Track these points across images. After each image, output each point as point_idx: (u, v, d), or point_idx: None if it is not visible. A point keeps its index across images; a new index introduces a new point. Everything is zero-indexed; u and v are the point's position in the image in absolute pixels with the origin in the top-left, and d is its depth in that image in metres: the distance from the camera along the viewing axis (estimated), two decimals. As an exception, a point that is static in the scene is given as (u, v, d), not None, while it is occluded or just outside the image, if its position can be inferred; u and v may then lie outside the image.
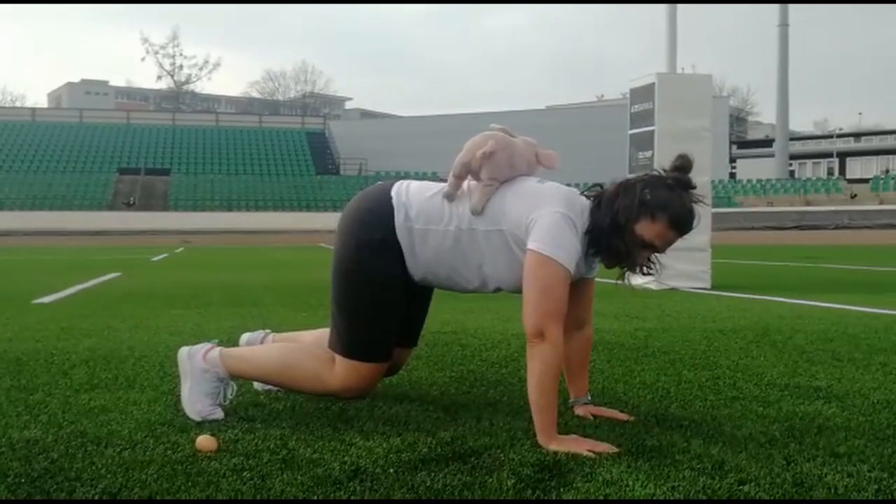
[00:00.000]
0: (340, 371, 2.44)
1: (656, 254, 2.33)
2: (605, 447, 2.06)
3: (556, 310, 2.19)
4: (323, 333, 2.70)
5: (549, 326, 2.16)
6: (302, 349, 2.59)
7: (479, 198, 2.32)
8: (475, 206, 2.31)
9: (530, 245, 2.22)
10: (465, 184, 2.39)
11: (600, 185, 2.37)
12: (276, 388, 2.72)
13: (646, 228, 2.23)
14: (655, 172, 2.32)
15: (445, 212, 2.36)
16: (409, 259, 2.38)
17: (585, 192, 2.36)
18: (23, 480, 1.82)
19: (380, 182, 2.57)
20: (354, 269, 2.40)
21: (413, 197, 2.40)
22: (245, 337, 2.90)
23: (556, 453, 2.03)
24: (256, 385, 2.78)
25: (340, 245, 2.45)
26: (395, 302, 2.43)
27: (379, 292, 2.40)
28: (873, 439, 2.20)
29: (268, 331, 2.93)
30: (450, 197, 2.37)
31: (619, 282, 2.43)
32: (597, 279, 2.55)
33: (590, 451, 2.03)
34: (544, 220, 2.22)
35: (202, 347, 2.49)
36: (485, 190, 2.32)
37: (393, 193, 2.42)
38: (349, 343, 2.43)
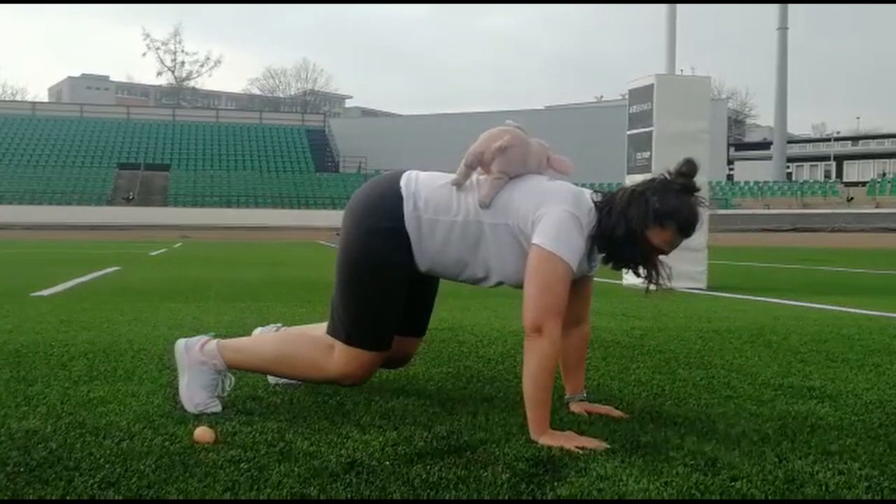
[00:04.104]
0: (341, 358, 2.45)
1: (661, 257, 2.40)
2: (597, 443, 2.08)
3: (556, 306, 2.21)
4: None
5: (549, 322, 2.18)
6: (300, 337, 2.59)
7: (487, 191, 2.33)
8: (483, 199, 2.33)
9: (535, 240, 2.24)
10: (474, 176, 2.41)
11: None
12: (284, 381, 2.73)
13: (656, 235, 2.30)
14: (662, 177, 2.35)
15: (454, 202, 2.37)
16: (416, 249, 2.39)
17: (595, 197, 2.37)
18: (22, 469, 1.84)
19: (388, 172, 2.58)
20: (361, 258, 2.41)
21: (422, 187, 2.41)
22: (258, 331, 2.91)
23: (550, 448, 2.05)
24: (271, 379, 2.79)
25: (348, 233, 2.46)
26: (399, 291, 2.44)
27: (384, 281, 2.41)
28: (865, 438, 2.22)
29: (280, 325, 2.94)
30: (458, 185, 2.38)
31: (647, 288, 2.45)
32: (594, 278, 2.57)
33: (580, 447, 2.04)
34: (551, 217, 2.24)
35: (199, 340, 2.50)
36: (494, 183, 2.33)
37: (402, 183, 2.42)
38: (351, 331, 2.44)
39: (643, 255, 2.34)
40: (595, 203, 2.34)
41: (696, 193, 2.32)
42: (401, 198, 2.39)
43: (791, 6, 50.12)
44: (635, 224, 2.27)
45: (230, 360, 2.48)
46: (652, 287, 2.42)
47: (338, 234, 2.64)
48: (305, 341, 2.54)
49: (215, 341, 2.51)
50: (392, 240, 2.38)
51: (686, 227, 2.30)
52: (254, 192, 42.66)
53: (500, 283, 2.45)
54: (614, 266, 2.41)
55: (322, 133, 52.87)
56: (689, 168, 2.31)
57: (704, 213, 8.33)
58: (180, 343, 2.51)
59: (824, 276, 10.34)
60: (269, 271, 10.08)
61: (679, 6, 8.81)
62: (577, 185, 2.45)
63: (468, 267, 2.41)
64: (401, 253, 2.39)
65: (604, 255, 2.39)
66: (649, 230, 2.28)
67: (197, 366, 2.44)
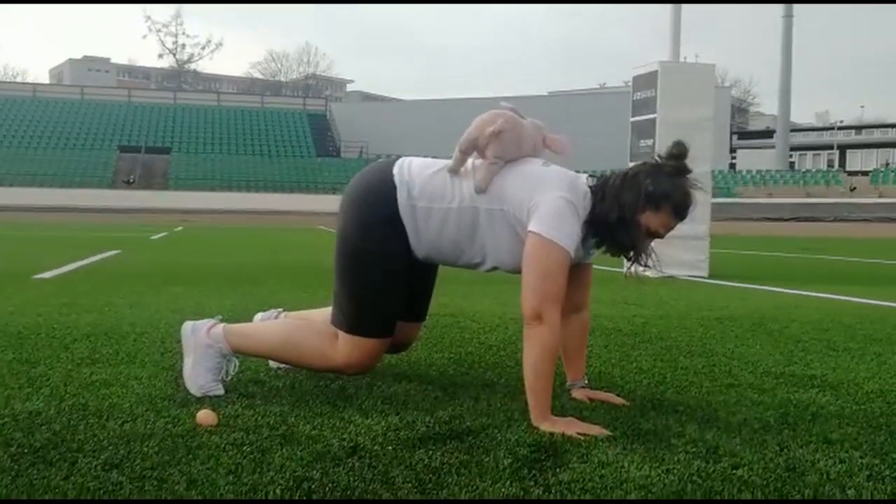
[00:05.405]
0: (344, 347, 2.46)
1: (653, 243, 2.39)
2: (598, 430, 2.08)
3: (555, 293, 2.21)
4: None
5: (548, 310, 2.19)
6: (305, 325, 2.61)
7: (483, 176, 2.33)
8: (479, 185, 2.32)
9: (532, 228, 2.23)
10: (469, 161, 2.40)
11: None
12: (286, 366, 2.74)
13: (650, 219, 2.29)
14: (653, 161, 2.34)
15: (448, 189, 2.36)
16: (412, 237, 2.39)
17: (590, 182, 2.36)
18: (25, 451, 1.85)
19: (381, 160, 2.57)
20: (358, 248, 2.41)
21: (415, 174, 2.40)
22: (259, 316, 2.92)
23: (552, 434, 2.05)
24: (272, 363, 2.80)
25: (344, 224, 2.46)
26: (398, 280, 2.44)
27: (383, 271, 2.41)
28: (866, 427, 2.23)
29: (280, 309, 2.95)
30: (454, 172, 2.38)
31: (627, 274, 2.45)
32: (595, 266, 2.57)
33: (581, 433, 2.05)
34: (547, 204, 2.24)
35: (206, 323, 2.51)
36: (489, 168, 2.33)
37: (395, 171, 2.42)
38: (353, 320, 2.45)
39: (637, 240, 2.32)
40: (590, 188, 2.34)
41: (689, 175, 2.31)
42: (394, 186, 2.38)
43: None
44: (629, 208, 2.27)
45: (235, 345, 2.49)
46: (637, 270, 2.41)
47: None
48: (311, 330, 2.55)
49: (221, 325, 2.52)
50: (388, 230, 2.38)
51: (680, 208, 2.29)
52: (255, 177, 42.58)
53: (494, 268, 2.45)
54: (608, 251, 2.41)
55: (323, 118, 52.72)
56: (679, 150, 2.30)
57: (707, 200, 8.23)
58: (187, 325, 2.52)
59: (826, 266, 10.34)
60: (270, 256, 10.09)
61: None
62: (575, 171, 2.44)
63: (465, 253, 2.41)
64: (398, 242, 2.39)
65: (596, 239, 2.37)
66: (643, 214, 2.28)
67: (203, 348, 2.45)
